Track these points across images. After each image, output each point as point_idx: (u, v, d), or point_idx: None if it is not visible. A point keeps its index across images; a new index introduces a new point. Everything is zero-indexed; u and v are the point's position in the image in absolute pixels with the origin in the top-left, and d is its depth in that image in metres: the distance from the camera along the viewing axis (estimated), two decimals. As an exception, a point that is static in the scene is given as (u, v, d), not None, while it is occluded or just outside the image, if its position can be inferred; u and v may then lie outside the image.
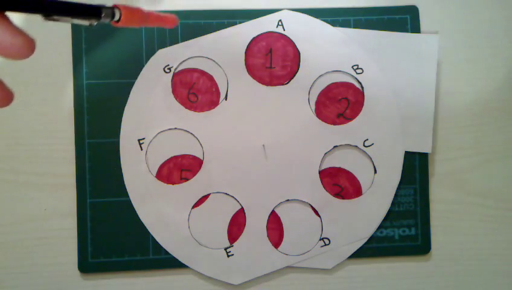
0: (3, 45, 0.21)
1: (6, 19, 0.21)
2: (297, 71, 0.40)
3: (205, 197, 0.40)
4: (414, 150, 0.41)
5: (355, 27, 0.41)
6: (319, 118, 0.40)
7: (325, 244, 0.40)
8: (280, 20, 0.40)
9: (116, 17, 0.25)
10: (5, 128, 0.40)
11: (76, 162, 0.39)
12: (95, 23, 0.24)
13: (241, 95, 0.40)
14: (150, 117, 0.40)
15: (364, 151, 0.40)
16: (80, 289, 0.40)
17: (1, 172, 0.39)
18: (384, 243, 0.41)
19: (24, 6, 0.21)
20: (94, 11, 0.24)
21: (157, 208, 0.39)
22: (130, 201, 0.39)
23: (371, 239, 0.40)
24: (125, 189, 0.39)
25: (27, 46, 0.21)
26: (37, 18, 0.39)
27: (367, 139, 0.40)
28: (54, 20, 0.23)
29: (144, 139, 0.40)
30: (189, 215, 0.40)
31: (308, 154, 0.40)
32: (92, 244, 0.39)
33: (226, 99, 0.40)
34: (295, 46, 0.40)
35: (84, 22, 0.24)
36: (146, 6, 0.40)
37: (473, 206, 0.42)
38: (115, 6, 0.25)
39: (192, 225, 0.40)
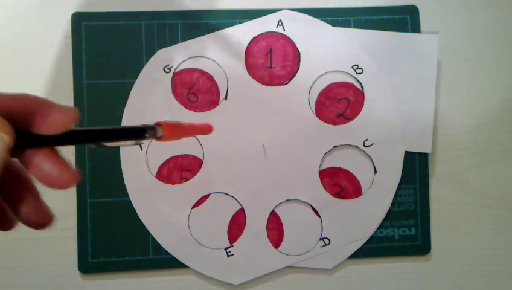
0: (51, 177, 0.22)
1: (55, 152, 0.22)
2: (297, 71, 0.40)
3: (205, 197, 0.40)
4: (414, 150, 0.41)
5: (355, 27, 0.41)
6: (319, 118, 0.40)
7: (325, 244, 0.40)
8: (280, 20, 0.40)
9: (159, 134, 0.25)
10: (5, 128, 0.39)
11: (76, 162, 0.39)
12: (141, 142, 0.25)
13: (241, 95, 0.40)
14: (150, 117, 0.40)
15: (364, 151, 0.40)
16: (80, 289, 0.40)
17: (1, 172, 0.39)
18: (384, 243, 0.41)
19: (73, 141, 0.22)
20: (138, 133, 0.24)
21: (157, 208, 0.39)
22: (130, 201, 0.39)
23: (371, 239, 0.40)
24: (125, 189, 0.39)
25: (72, 178, 0.22)
26: (32, 14, 0.39)
27: (367, 139, 0.40)
28: (104, 146, 0.23)
29: (144, 139, 0.39)
30: (189, 215, 0.40)
31: (308, 154, 0.40)
32: (92, 244, 0.39)
33: (226, 99, 0.40)
34: (295, 46, 0.40)
35: (132, 143, 0.24)
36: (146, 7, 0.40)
37: (473, 206, 0.42)
38: (156, 125, 0.25)
39: (192, 225, 0.40)
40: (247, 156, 0.40)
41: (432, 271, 0.41)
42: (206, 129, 0.30)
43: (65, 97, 0.40)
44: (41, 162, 0.22)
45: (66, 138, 0.22)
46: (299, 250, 0.40)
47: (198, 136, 0.40)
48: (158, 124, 0.25)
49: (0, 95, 0.20)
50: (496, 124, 0.42)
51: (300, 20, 0.41)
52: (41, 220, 0.23)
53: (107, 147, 0.23)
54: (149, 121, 0.39)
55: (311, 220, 0.40)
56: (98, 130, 0.23)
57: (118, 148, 0.39)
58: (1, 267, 0.39)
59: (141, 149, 0.40)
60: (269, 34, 0.40)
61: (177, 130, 0.26)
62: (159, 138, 0.25)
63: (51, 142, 0.22)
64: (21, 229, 0.40)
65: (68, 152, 0.39)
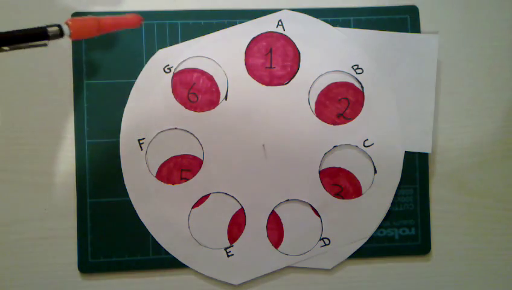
0: None
1: None
2: (297, 71, 0.40)
3: (205, 197, 0.40)
4: (414, 150, 0.41)
5: (355, 27, 0.41)
6: (319, 118, 0.40)
7: (325, 245, 0.40)
8: (280, 20, 0.40)
9: (67, 33, 0.25)
10: (5, 128, 0.40)
11: (76, 162, 0.39)
12: (48, 42, 0.24)
13: (241, 95, 0.40)
14: (150, 117, 0.40)
15: (364, 151, 0.40)
16: (80, 289, 0.40)
17: (1, 172, 0.39)
18: (384, 243, 0.41)
19: None
20: (40, 33, 0.24)
21: (157, 208, 0.39)
22: (130, 201, 0.39)
23: (371, 239, 0.40)
24: (125, 189, 0.39)
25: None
26: (32, 14, 0.39)
27: (367, 139, 0.40)
28: (7, 50, 0.24)
29: (143, 139, 0.40)
30: (189, 215, 0.40)
31: (308, 154, 0.40)
32: (92, 244, 0.39)
33: (226, 99, 0.40)
34: (295, 46, 0.40)
35: (39, 44, 0.24)
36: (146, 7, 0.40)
37: (473, 206, 0.42)
38: (63, 23, 0.25)
39: (192, 225, 0.40)
40: (247, 156, 0.40)
41: (432, 271, 0.41)
42: (131, 21, 0.27)
43: (65, 97, 0.40)
44: None
45: None
46: (299, 250, 0.40)
47: (197, 136, 0.40)
48: (65, 23, 0.25)
49: None
50: (496, 124, 0.42)
51: (300, 20, 0.41)
52: None
53: (13, 50, 0.24)
54: (149, 120, 0.40)
55: (311, 220, 0.40)
56: (1, 33, 0.23)
57: (117, 148, 0.39)
58: (1, 267, 0.39)
59: (141, 149, 0.40)
60: (269, 34, 0.40)
61: (88, 26, 0.25)
62: (70, 37, 0.24)
63: None
64: (21, 229, 0.40)
65: (68, 152, 0.40)
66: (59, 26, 0.24)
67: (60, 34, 0.25)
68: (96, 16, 0.25)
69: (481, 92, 0.42)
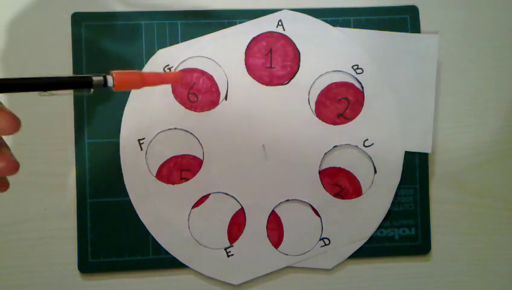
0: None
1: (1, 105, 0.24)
2: (297, 71, 0.40)
3: (205, 197, 0.40)
4: (414, 150, 0.41)
5: (355, 27, 0.41)
6: (319, 118, 0.40)
7: (325, 245, 0.40)
8: (280, 20, 0.40)
9: (110, 84, 0.26)
10: (5, 128, 0.39)
11: (76, 162, 0.39)
12: (91, 91, 0.25)
13: (241, 95, 0.40)
14: (150, 117, 0.40)
15: (364, 151, 0.40)
16: (80, 289, 0.40)
17: (1, 172, 0.39)
18: (384, 243, 0.41)
19: (16, 88, 0.25)
20: (85, 82, 0.25)
21: (157, 208, 0.39)
22: (130, 201, 0.39)
23: (371, 239, 0.40)
24: (125, 189, 0.39)
25: (13, 125, 0.24)
26: (32, 14, 0.39)
27: (367, 139, 0.40)
28: (51, 94, 0.25)
29: (143, 139, 0.40)
30: (189, 215, 0.40)
31: (308, 154, 0.40)
32: (92, 244, 0.39)
33: (226, 99, 0.40)
34: (295, 46, 0.40)
35: (82, 92, 0.26)
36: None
37: (473, 206, 0.42)
38: (107, 74, 0.26)
39: (192, 225, 0.40)
40: (247, 156, 0.40)
41: (432, 271, 0.41)
42: (172, 78, 0.29)
43: (65, 98, 0.40)
44: None
45: (18, 86, 0.24)
46: (299, 250, 0.40)
47: (197, 136, 0.40)
48: (110, 74, 0.26)
49: None
50: (496, 124, 0.42)
51: (300, 20, 0.41)
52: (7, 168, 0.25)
53: (56, 94, 0.25)
54: (149, 120, 0.40)
55: (311, 220, 0.40)
56: (47, 79, 0.25)
57: (117, 148, 0.39)
58: (1, 267, 0.39)
59: (141, 149, 0.40)
60: (269, 34, 0.40)
61: (131, 79, 0.26)
62: (113, 87, 0.26)
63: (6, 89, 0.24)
64: (21, 229, 0.40)
65: (68, 152, 0.40)
66: (104, 76, 0.25)
67: (104, 84, 0.26)
68: (139, 71, 0.27)
69: (481, 92, 0.42)
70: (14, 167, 0.26)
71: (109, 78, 0.26)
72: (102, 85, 0.26)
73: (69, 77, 0.26)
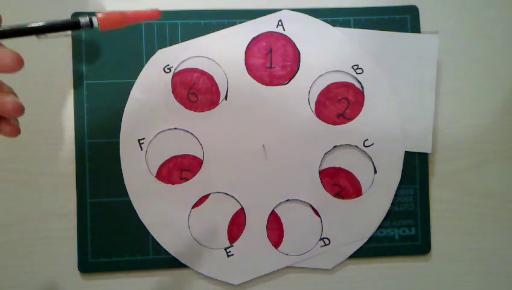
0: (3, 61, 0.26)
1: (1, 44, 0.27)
2: (297, 71, 0.40)
3: (205, 197, 0.40)
4: (414, 150, 0.41)
5: (355, 27, 0.41)
6: (319, 118, 0.40)
7: (325, 244, 0.40)
8: (280, 20, 0.40)
9: (95, 24, 0.29)
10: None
11: (76, 162, 0.39)
12: (80, 31, 0.29)
13: (241, 95, 0.40)
14: (150, 117, 0.40)
15: (364, 151, 0.40)
16: (80, 289, 0.40)
17: (1, 172, 0.39)
18: (384, 243, 0.41)
19: (12, 35, 0.28)
20: (73, 24, 0.29)
21: (157, 208, 0.39)
22: (130, 201, 0.39)
23: (371, 239, 0.40)
24: (125, 189, 0.39)
25: (17, 62, 0.27)
26: (32, 14, 0.39)
27: (367, 139, 0.40)
28: (45, 37, 0.28)
29: (144, 139, 0.40)
30: (189, 215, 0.40)
31: (308, 154, 0.40)
32: (92, 244, 0.39)
33: (226, 99, 0.40)
34: (295, 46, 0.40)
35: (71, 33, 0.29)
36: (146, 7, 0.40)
37: (473, 206, 0.42)
38: (92, 16, 0.29)
39: (192, 225, 0.40)
40: (247, 156, 0.40)
41: (432, 271, 0.41)
42: (151, 14, 0.31)
43: (65, 97, 0.40)
44: None
45: (10, 33, 0.28)
46: (299, 250, 0.40)
47: (197, 136, 0.40)
48: (94, 15, 0.29)
49: None
50: (496, 124, 0.42)
51: (300, 20, 0.41)
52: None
53: (49, 37, 0.29)
54: (149, 120, 0.40)
55: (311, 220, 0.40)
56: (42, 24, 0.28)
57: (117, 148, 0.39)
58: (1, 267, 0.39)
59: (141, 149, 0.40)
60: (269, 34, 0.40)
61: (113, 18, 0.29)
62: (99, 26, 0.29)
63: None
64: (21, 229, 0.40)
65: (68, 152, 0.40)
66: (90, 18, 0.29)
67: (90, 25, 0.29)
68: (121, 11, 0.30)
69: (481, 92, 0.42)
70: (19, 108, 0.28)
71: (94, 19, 0.29)
72: (88, 26, 0.29)
73: (60, 20, 0.29)
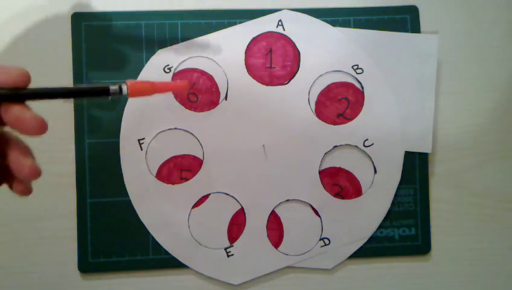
0: (23, 124, 0.28)
1: (26, 106, 0.28)
2: (297, 71, 0.40)
3: (205, 197, 0.40)
4: (414, 150, 0.41)
5: (355, 27, 0.41)
6: (319, 118, 0.40)
7: (325, 245, 0.40)
8: (280, 20, 0.40)
9: (124, 92, 0.29)
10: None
11: (76, 162, 0.39)
12: (109, 98, 0.29)
13: (241, 95, 0.40)
14: (150, 117, 0.40)
15: (364, 151, 0.40)
16: (80, 289, 0.40)
17: (1, 172, 0.39)
18: (384, 243, 0.41)
19: (44, 97, 0.29)
20: (103, 91, 0.29)
21: (157, 208, 0.39)
22: (130, 201, 0.39)
23: (371, 239, 0.40)
24: (125, 189, 0.39)
25: (41, 126, 0.28)
26: (32, 14, 0.39)
27: (367, 139, 0.40)
28: (71, 101, 0.30)
29: (144, 139, 0.40)
30: (189, 215, 0.40)
31: (308, 154, 0.40)
32: (92, 244, 0.39)
33: (226, 99, 0.40)
34: (295, 46, 0.40)
35: (101, 99, 0.29)
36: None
37: (473, 206, 0.42)
38: (122, 84, 0.29)
39: (192, 225, 0.40)
40: (247, 156, 0.40)
41: (432, 271, 0.41)
42: (180, 87, 0.32)
43: (65, 97, 0.40)
44: (20, 112, 0.28)
45: (46, 94, 0.29)
46: (299, 250, 0.40)
47: (197, 136, 0.40)
48: (125, 83, 0.29)
49: None
50: (496, 124, 0.42)
51: (300, 20, 0.41)
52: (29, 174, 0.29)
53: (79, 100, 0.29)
54: (149, 120, 0.40)
55: (311, 220, 0.40)
56: (68, 89, 0.29)
57: (117, 148, 0.39)
58: (1, 267, 0.39)
59: (141, 149, 0.40)
60: (269, 34, 0.40)
61: (143, 88, 0.30)
62: (127, 95, 0.29)
63: (25, 97, 0.29)
64: (21, 229, 0.40)
65: (68, 152, 0.40)
66: (120, 86, 0.29)
67: (120, 92, 0.29)
68: (150, 81, 0.30)
69: (481, 92, 0.42)
70: (36, 172, 0.29)
71: (124, 87, 0.29)
72: (118, 93, 0.29)
73: (89, 87, 0.29)
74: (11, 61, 0.40)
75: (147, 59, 0.40)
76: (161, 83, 0.31)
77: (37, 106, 0.39)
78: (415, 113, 0.41)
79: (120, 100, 0.40)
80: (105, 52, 0.40)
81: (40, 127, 0.27)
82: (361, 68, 0.41)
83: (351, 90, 0.41)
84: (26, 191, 0.30)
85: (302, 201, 0.40)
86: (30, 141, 0.39)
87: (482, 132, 0.42)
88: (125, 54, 0.40)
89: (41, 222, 0.39)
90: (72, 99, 0.30)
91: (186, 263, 0.39)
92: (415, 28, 0.41)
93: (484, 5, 0.42)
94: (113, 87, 0.29)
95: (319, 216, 0.40)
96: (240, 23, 0.40)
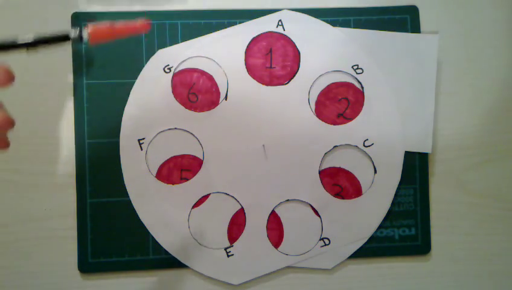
0: None
1: None
2: (297, 71, 0.40)
3: (205, 197, 0.40)
4: (414, 150, 0.41)
5: (355, 27, 0.41)
6: (319, 118, 0.40)
7: (325, 245, 0.40)
8: (280, 20, 0.40)
9: (85, 36, 0.29)
10: (5, 128, 0.40)
11: (76, 162, 0.39)
12: (69, 43, 0.29)
13: (241, 95, 0.40)
14: (150, 117, 0.40)
15: (364, 151, 0.40)
16: (80, 289, 0.40)
17: (1, 172, 0.39)
18: (384, 243, 0.41)
19: (6, 49, 0.29)
20: (64, 37, 0.29)
21: (157, 208, 0.39)
22: (130, 201, 0.39)
23: (371, 239, 0.40)
24: (125, 189, 0.39)
25: (5, 76, 0.28)
26: (32, 14, 0.39)
27: (367, 139, 0.40)
28: (36, 51, 0.29)
29: (144, 139, 0.40)
30: (189, 215, 0.40)
31: (308, 154, 0.40)
32: (92, 244, 0.39)
33: (226, 99, 0.40)
34: (295, 46, 0.40)
35: (62, 45, 0.29)
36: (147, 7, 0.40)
37: (473, 206, 0.42)
38: (83, 27, 0.29)
39: (192, 225, 0.40)
40: (247, 156, 0.40)
41: (432, 271, 0.41)
42: (140, 26, 0.31)
43: (65, 97, 0.40)
44: None
45: (8, 46, 0.29)
46: (299, 250, 0.40)
47: (197, 136, 0.40)
48: (85, 28, 0.29)
49: None
50: (496, 124, 0.42)
51: (300, 20, 0.41)
52: None
53: (40, 50, 0.29)
54: (149, 120, 0.40)
55: (311, 220, 0.40)
56: (28, 38, 0.29)
57: (117, 148, 0.39)
58: (1, 267, 0.39)
59: (141, 149, 0.40)
60: (269, 34, 0.40)
61: (103, 31, 0.30)
62: (88, 40, 0.29)
63: None
64: (21, 229, 0.40)
65: (68, 152, 0.40)
66: (80, 30, 0.29)
67: (80, 38, 0.29)
68: (110, 22, 0.30)
69: (481, 92, 0.42)
70: (9, 121, 0.29)
71: (84, 32, 0.29)
72: (79, 39, 0.29)
73: (50, 35, 0.29)
74: (11, 61, 0.40)
75: (147, 59, 0.40)
76: (122, 24, 0.30)
77: (37, 106, 0.40)
78: (415, 113, 0.41)
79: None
80: (105, 52, 0.40)
81: (6, 78, 0.28)
82: (361, 68, 0.41)
83: (351, 90, 0.41)
84: (2, 144, 0.30)
85: (302, 201, 0.40)
86: (30, 141, 0.40)
87: (482, 132, 0.42)
88: (125, 54, 0.40)
89: (41, 222, 0.39)
90: (36, 50, 0.29)
91: (186, 263, 0.39)
92: (415, 28, 0.41)
93: (484, 5, 0.42)
94: (74, 32, 0.29)
95: (319, 216, 0.40)
96: (240, 23, 0.40)
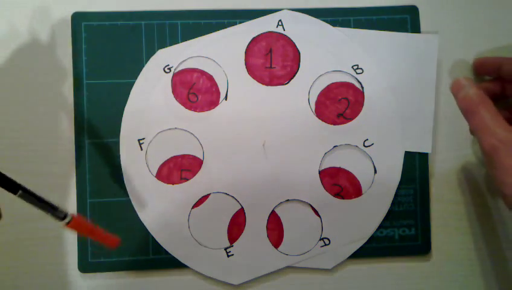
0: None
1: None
2: (297, 71, 0.40)
3: (205, 197, 0.40)
4: (414, 150, 0.41)
5: (355, 27, 0.41)
6: (319, 118, 0.40)
7: (325, 245, 0.40)
8: (280, 20, 0.40)
9: (66, 221, 0.30)
10: (5, 128, 0.40)
11: (76, 162, 0.39)
12: (53, 214, 0.30)
13: (241, 95, 0.40)
14: (150, 117, 0.40)
15: (364, 151, 0.40)
16: (80, 289, 0.40)
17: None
18: (384, 243, 0.41)
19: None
20: (51, 208, 0.30)
21: (157, 208, 0.39)
22: (130, 201, 0.39)
23: (371, 239, 0.40)
24: (125, 189, 0.39)
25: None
26: (32, 14, 0.39)
27: (367, 139, 0.40)
28: (26, 200, 0.30)
29: (143, 139, 0.40)
30: (189, 215, 0.40)
31: (308, 154, 0.40)
32: (92, 245, 0.39)
33: (226, 99, 0.40)
34: (295, 46, 0.40)
35: (46, 211, 0.30)
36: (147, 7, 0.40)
37: (473, 206, 0.42)
38: (70, 214, 0.31)
39: (192, 225, 0.40)
40: (247, 156, 0.40)
41: (432, 271, 0.41)
42: (112, 241, 0.33)
43: (65, 97, 0.40)
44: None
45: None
46: (299, 250, 0.40)
47: (197, 136, 0.40)
48: (72, 215, 0.31)
49: None
50: (496, 124, 0.42)
51: (300, 20, 0.41)
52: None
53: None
54: (149, 120, 0.40)
55: (311, 220, 0.40)
56: (27, 192, 0.30)
57: (117, 148, 0.39)
58: (1, 267, 0.39)
59: (141, 149, 0.40)
60: (269, 34, 0.40)
61: (83, 227, 0.32)
62: (66, 224, 0.31)
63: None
64: (21, 229, 0.40)
65: (68, 152, 0.40)
66: (65, 214, 0.31)
67: (63, 218, 0.31)
68: (91, 225, 0.32)
69: (481, 92, 0.42)
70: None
71: (68, 217, 0.31)
72: (60, 218, 0.30)
73: (42, 202, 0.30)
74: (11, 61, 0.40)
75: (147, 59, 0.40)
76: (100, 231, 0.32)
77: (37, 106, 0.40)
78: (415, 113, 0.41)
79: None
80: (105, 52, 0.40)
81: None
82: (361, 68, 0.41)
83: (351, 90, 0.41)
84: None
85: (302, 201, 0.40)
86: (30, 141, 0.40)
87: (482, 132, 0.42)
88: (125, 54, 0.40)
89: (41, 222, 0.39)
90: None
91: (186, 263, 0.39)
92: (415, 28, 0.41)
93: (485, 5, 0.42)
94: (59, 213, 0.30)
95: (319, 216, 0.40)
96: (240, 23, 0.40)
